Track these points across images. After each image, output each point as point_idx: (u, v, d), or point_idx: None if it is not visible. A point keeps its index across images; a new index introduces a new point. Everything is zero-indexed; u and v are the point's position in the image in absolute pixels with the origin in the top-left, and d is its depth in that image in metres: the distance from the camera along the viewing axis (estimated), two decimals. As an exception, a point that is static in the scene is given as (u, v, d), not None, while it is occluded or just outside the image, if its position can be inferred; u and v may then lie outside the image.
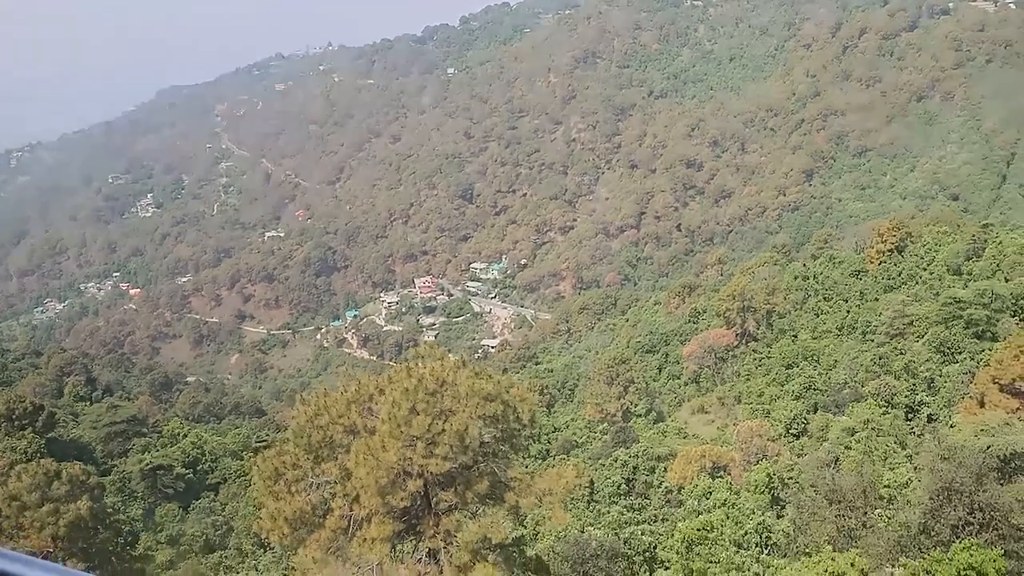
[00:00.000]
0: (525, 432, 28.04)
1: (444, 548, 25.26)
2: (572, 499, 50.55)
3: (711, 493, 47.92)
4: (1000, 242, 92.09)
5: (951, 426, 49.78)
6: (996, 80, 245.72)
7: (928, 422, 59.09)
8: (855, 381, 73.98)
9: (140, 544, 43.40)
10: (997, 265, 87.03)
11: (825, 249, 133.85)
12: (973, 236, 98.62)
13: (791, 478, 47.90)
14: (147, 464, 69.89)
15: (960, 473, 24.88)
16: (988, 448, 29.46)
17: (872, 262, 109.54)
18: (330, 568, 24.87)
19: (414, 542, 25.79)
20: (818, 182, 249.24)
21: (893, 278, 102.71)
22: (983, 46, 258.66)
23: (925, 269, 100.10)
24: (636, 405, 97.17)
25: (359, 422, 25.53)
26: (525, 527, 43.19)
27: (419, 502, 25.51)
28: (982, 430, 38.23)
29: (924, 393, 64.08)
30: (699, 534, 32.11)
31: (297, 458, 25.91)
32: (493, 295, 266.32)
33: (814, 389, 78.15)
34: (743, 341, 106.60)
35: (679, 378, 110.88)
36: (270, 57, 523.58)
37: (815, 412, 71.57)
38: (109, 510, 42.27)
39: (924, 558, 21.93)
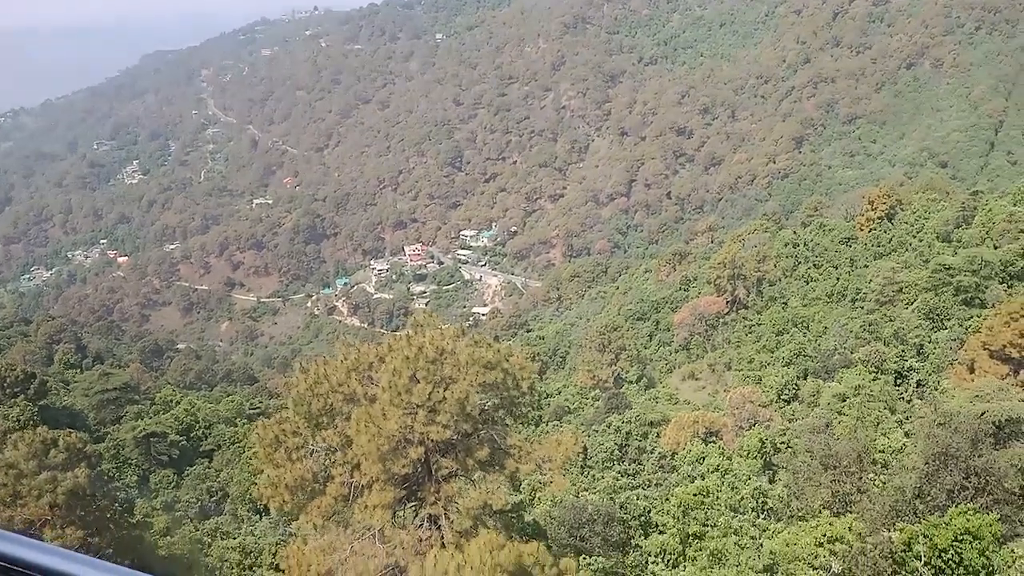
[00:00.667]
0: (524, 400, 28.19)
1: (445, 514, 25.47)
2: (566, 465, 50.93)
3: (704, 458, 48.39)
4: (990, 209, 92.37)
5: (941, 392, 50.28)
6: (985, 47, 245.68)
7: (917, 388, 59.69)
8: (845, 347, 74.48)
9: (137, 511, 43.56)
10: (986, 232, 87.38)
11: (815, 216, 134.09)
12: (963, 203, 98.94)
13: (783, 443, 48.40)
14: (140, 431, 69.89)
15: (956, 439, 25.21)
16: (983, 414, 29.82)
17: (862, 229, 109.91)
18: (331, 534, 25.01)
19: (415, 508, 26.00)
20: (808, 149, 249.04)
21: (883, 245, 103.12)
22: (973, 12, 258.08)
23: (915, 236, 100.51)
24: (627, 372, 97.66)
25: (359, 390, 25.56)
26: (521, 492, 43.55)
27: (420, 469, 25.66)
28: (977, 396, 38.67)
29: (913, 359, 64.60)
30: (695, 499, 32.46)
31: (297, 426, 25.96)
32: (483, 263, 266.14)
33: (804, 355, 78.71)
34: (733, 308, 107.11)
35: (670, 345, 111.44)
36: (255, 21, 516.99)
37: (805, 378, 72.14)
38: (105, 478, 42.31)
39: (921, 522, 22.27)
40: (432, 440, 24.24)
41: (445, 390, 24.09)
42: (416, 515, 25.93)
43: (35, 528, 32.06)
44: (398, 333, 28.35)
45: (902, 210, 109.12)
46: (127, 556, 35.30)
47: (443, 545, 23.98)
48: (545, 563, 21.13)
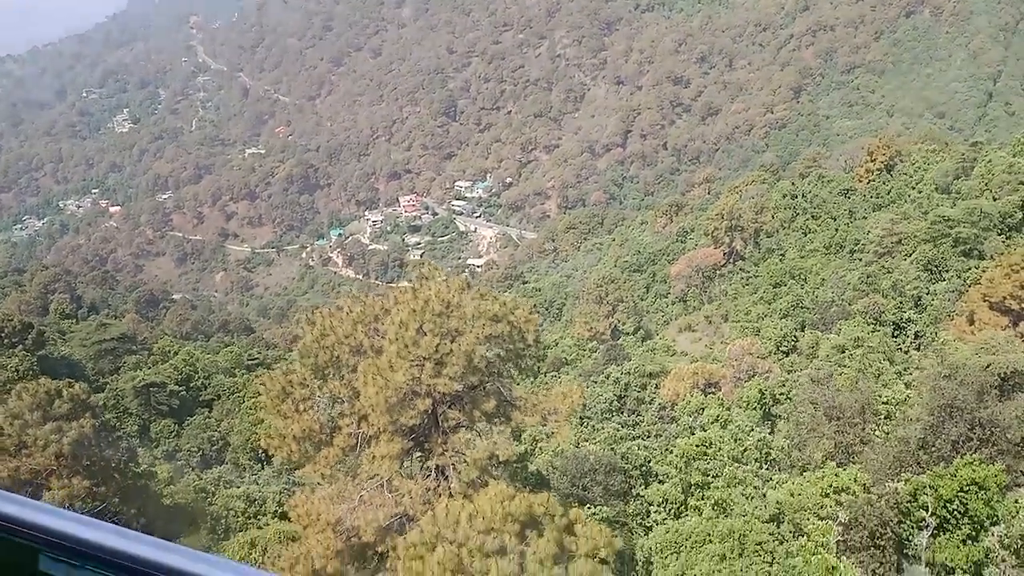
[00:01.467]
0: (530, 352, 28.24)
1: (452, 465, 25.61)
2: (571, 416, 51.29)
3: (703, 409, 48.73)
4: (989, 161, 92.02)
5: (942, 344, 50.50)
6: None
7: (915, 339, 59.98)
8: (843, 299, 74.69)
9: (139, 460, 43.78)
10: (986, 184, 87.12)
11: (814, 167, 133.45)
12: (962, 155, 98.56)
13: (782, 394, 48.71)
14: (140, 381, 69.95)
15: (962, 391, 25.34)
16: (988, 366, 29.97)
17: (861, 180, 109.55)
18: (339, 483, 25.16)
19: (422, 459, 26.15)
20: (806, 99, 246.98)
21: (882, 197, 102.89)
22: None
23: (914, 188, 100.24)
24: (624, 324, 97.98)
25: (366, 342, 25.52)
26: (522, 442, 43.87)
27: (427, 421, 25.73)
28: (982, 348, 38.86)
29: (911, 311, 64.84)
30: (698, 450, 32.71)
31: (304, 377, 25.98)
32: (478, 214, 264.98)
33: (801, 307, 78.93)
34: (731, 260, 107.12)
35: (667, 297, 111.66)
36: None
37: (803, 330, 72.43)
38: (108, 428, 42.48)
39: (926, 473, 22.46)
40: (439, 392, 24.30)
41: (452, 343, 24.08)
42: (423, 466, 26.08)
43: (42, 478, 32.24)
44: (403, 285, 28.23)
45: (901, 161, 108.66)
46: (132, 506, 35.57)
47: (450, 495, 24.15)
48: (555, 513, 21.25)
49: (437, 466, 25.43)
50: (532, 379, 69.43)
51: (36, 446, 32.35)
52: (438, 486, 25.17)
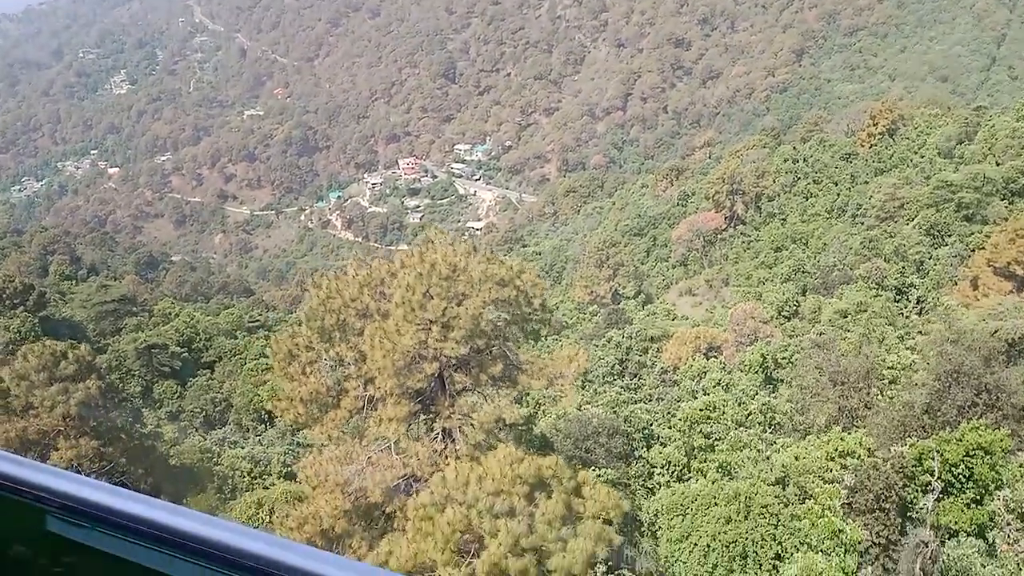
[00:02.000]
0: (536, 316, 28.27)
1: (459, 428, 25.76)
2: (577, 380, 51.49)
3: (705, 373, 48.92)
4: (992, 125, 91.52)
5: (945, 309, 50.59)
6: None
7: (917, 304, 60.08)
8: (844, 264, 74.68)
9: (145, 421, 44.09)
10: (989, 148, 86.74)
11: (815, 131, 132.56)
12: (965, 119, 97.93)
13: (784, 359, 48.85)
14: (142, 343, 70.06)
15: (969, 356, 25.42)
16: (996, 332, 30.05)
17: (863, 145, 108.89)
18: (346, 445, 25.32)
19: (428, 422, 26.30)
20: (808, 62, 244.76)
21: (884, 161, 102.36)
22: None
23: (916, 152, 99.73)
24: (625, 287, 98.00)
25: (372, 305, 25.53)
26: (525, 405, 44.05)
27: (434, 384, 25.84)
28: (990, 314, 38.93)
29: (913, 276, 64.86)
30: (702, 414, 32.88)
31: (310, 340, 26.02)
32: (478, 177, 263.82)
33: (803, 272, 78.98)
34: (732, 224, 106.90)
35: (667, 261, 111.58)
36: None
37: (804, 295, 72.51)
38: (114, 390, 42.63)
39: (933, 437, 22.61)
40: (446, 356, 24.38)
41: (459, 306, 24.09)
42: (429, 428, 26.23)
43: (49, 439, 32.45)
44: (406, 248, 28.15)
45: (904, 126, 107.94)
46: (139, 467, 35.82)
47: (457, 457, 24.31)
48: (563, 476, 21.41)
49: (444, 429, 25.57)
50: (534, 343, 69.61)
51: (43, 407, 32.54)
52: (445, 448, 25.34)
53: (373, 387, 24.73)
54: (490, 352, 26.07)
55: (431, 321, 23.83)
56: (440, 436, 25.68)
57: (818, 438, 25.82)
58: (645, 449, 38.45)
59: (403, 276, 24.60)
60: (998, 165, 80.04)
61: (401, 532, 23.74)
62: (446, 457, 24.64)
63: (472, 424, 25.07)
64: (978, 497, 22.00)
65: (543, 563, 20.06)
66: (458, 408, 25.49)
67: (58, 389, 32.35)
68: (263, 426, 57.17)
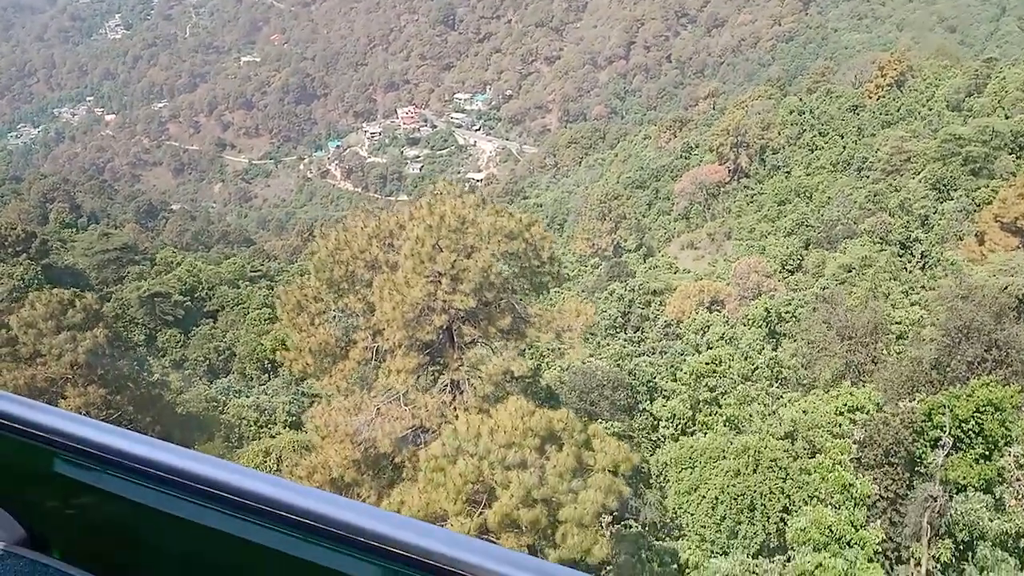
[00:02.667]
0: (545, 269, 28.17)
1: (467, 380, 25.80)
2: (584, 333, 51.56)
3: (708, 327, 48.96)
4: (1003, 78, 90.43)
5: (952, 263, 50.44)
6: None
7: (921, 259, 59.90)
8: (848, 218, 74.29)
9: (151, 369, 44.20)
10: (998, 102, 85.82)
11: (821, 83, 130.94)
12: (975, 71, 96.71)
13: (788, 313, 48.86)
14: (145, 291, 70.02)
15: (979, 312, 25.35)
16: (1006, 288, 29.96)
17: (870, 97, 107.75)
18: (355, 396, 25.39)
19: (436, 373, 26.36)
20: (815, 11, 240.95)
21: (891, 113, 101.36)
22: None
23: (925, 105, 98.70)
24: (626, 240, 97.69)
25: (381, 257, 25.41)
26: (531, 358, 44.16)
27: (442, 336, 25.80)
28: (1000, 270, 38.82)
29: (918, 230, 64.57)
30: (707, 368, 32.94)
31: (319, 291, 25.94)
32: (478, 127, 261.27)
33: (807, 225, 78.59)
34: (735, 177, 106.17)
35: (669, 214, 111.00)
36: None
37: (807, 248, 72.30)
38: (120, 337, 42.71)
39: (943, 393, 22.65)
40: (455, 308, 24.31)
41: (468, 259, 23.96)
42: (438, 380, 26.30)
43: (57, 386, 32.53)
44: (418, 200, 27.99)
45: (912, 77, 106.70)
46: (147, 414, 35.99)
47: (465, 409, 24.39)
48: (574, 428, 21.50)
49: (452, 381, 25.62)
50: (538, 296, 69.56)
51: (51, 355, 32.58)
52: (453, 400, 25.43)
53: (382, 339, 24.72)
54: (498, 305, 25.99)
55: (440, 273, 23.75)
56: (448, 388, 25.76)
57: (826, 393, 25.87)
58: (649, 402, 38.67)
59: (412, 228, 24.43)
60: (1007, 119, 79.25)
61: (411, 482, 23.95)
62: (454, 409, 24.75)
63: (480, 376, 25.13)
64: (987, 453, 22.13)
65: (553, 514, 20.25)
66: (467, 360, 25.52)
67: (66, 337, 32.34)
68: (267, 376, 57.40)
